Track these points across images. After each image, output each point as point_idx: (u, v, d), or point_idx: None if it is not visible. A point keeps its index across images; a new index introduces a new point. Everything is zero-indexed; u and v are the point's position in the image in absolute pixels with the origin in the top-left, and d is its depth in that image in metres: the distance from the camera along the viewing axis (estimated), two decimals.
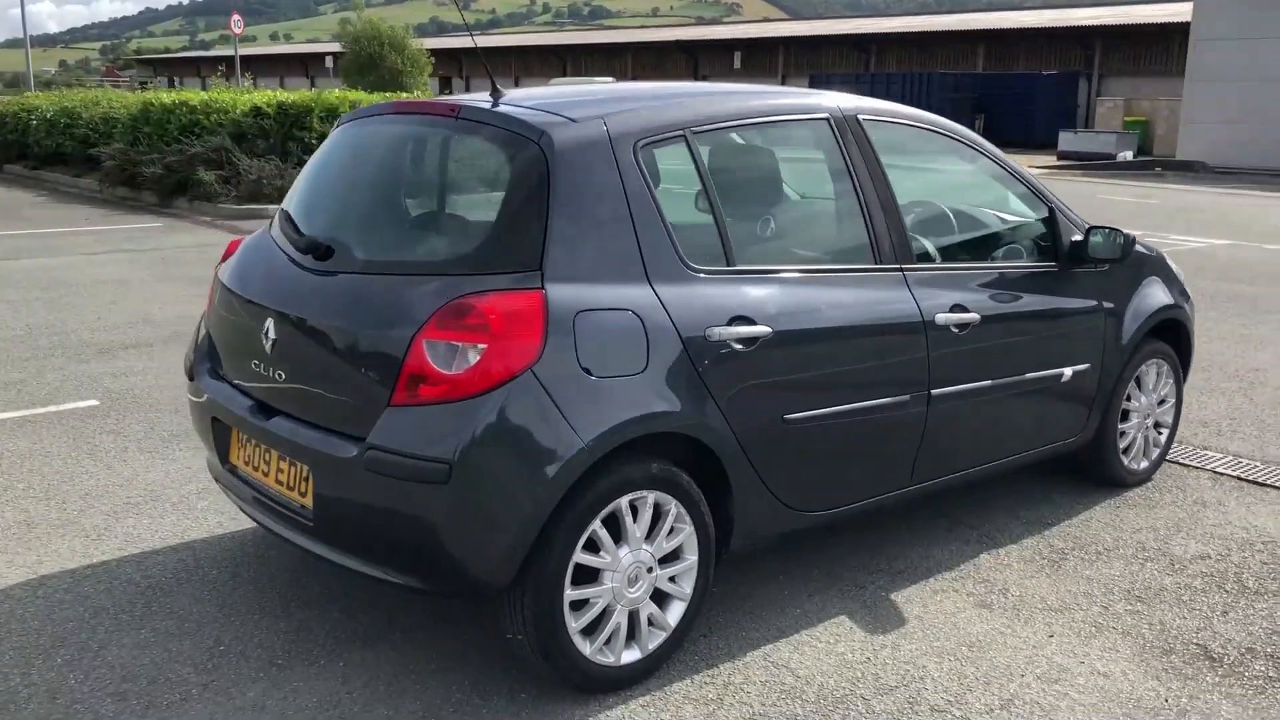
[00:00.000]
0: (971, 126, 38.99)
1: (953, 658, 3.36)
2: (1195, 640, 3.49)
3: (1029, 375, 4.16)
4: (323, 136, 15.51)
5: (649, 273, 3.10)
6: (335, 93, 16.30)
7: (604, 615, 3.08)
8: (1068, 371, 4.32)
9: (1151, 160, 29.75)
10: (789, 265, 3.54)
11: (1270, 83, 28.28)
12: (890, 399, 3.65)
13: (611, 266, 3.06)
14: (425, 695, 3.10)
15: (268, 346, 3.25)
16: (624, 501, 3.03)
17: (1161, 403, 4.95)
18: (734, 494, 3.28)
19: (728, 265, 3.30)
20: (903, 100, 36.61)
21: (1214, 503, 4.71)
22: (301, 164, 15.04)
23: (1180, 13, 38.65)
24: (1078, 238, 4.36)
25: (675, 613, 3.23)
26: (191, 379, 3.72)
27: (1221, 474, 5.06)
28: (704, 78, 60.45)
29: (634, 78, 63.63)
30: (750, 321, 3.24)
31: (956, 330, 3.81)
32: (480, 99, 3.38)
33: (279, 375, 3.23)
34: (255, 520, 3.41)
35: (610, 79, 40.49)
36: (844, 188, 3.73)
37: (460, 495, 2.81)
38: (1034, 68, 44.07)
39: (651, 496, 3.08)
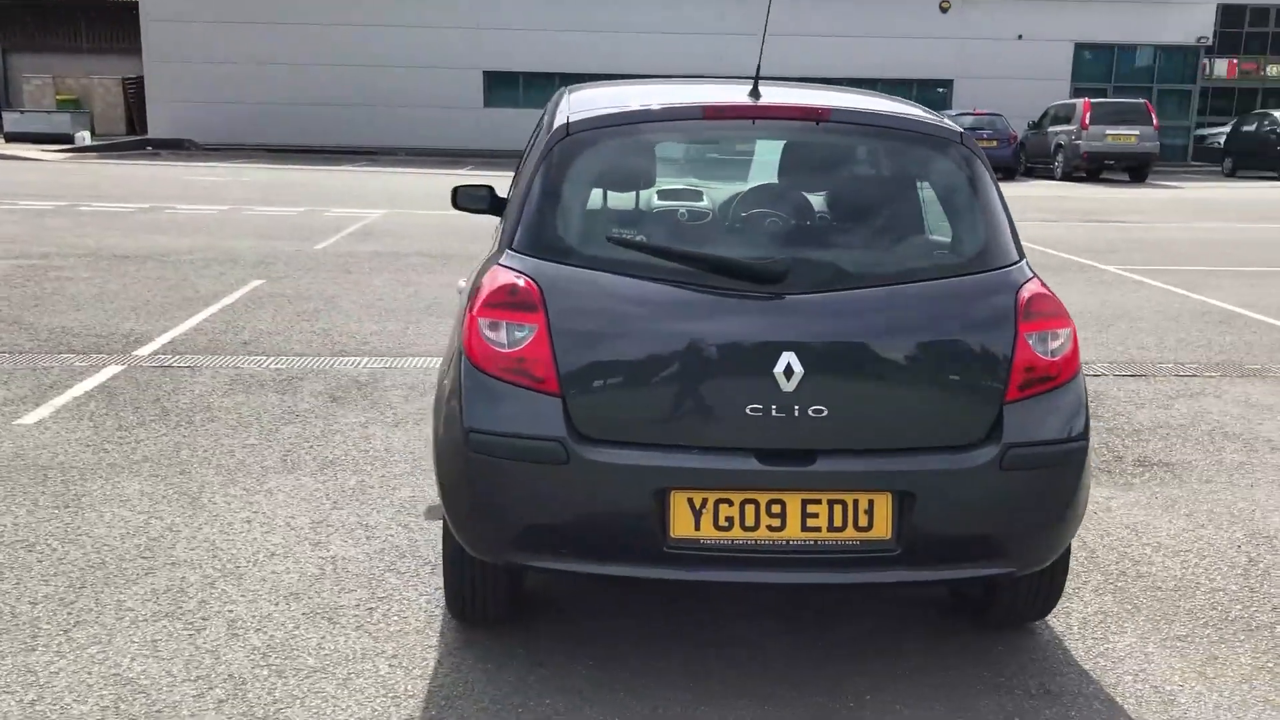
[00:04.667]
0: None
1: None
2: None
3: None
4: None
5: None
6: None
7: None
8: None
9: (142, 140, 29.74)
10: None
11: (237, 64, 30.30)
12: None
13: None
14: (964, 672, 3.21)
15: (789, 385, 2.84)
16: None
17: None
18: None
19: None
20: None
21: None
22: None
23: None
24: None
25: None
26: (566, 459, 2.85)
27: None
28: None
29: None
30: None
31: None
32: (802, 98, 3.30)
33: (815, 412, 2.87)
34: (744, 583, 2.96)
35: None
36: None
37: (1083, 468, 3.07)
38: None
39: None
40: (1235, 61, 35.89)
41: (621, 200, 3.44)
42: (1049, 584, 3.29)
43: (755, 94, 3.30)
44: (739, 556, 2.89)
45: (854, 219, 3.28)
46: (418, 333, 7.49)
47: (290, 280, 9.42)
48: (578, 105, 3.34)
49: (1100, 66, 33.18)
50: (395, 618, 3.46)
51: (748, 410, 2.86)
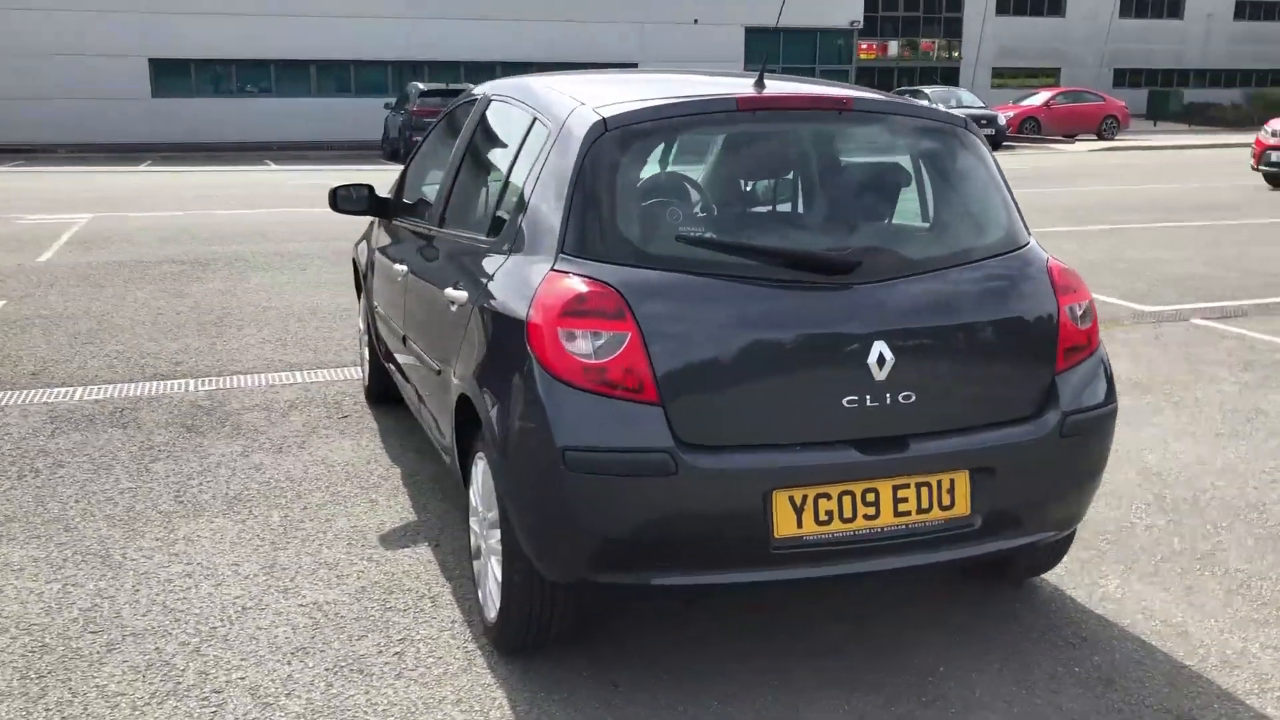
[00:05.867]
0: None
1: None
2: None
3: None
4: None
5: None
6: None
7: None
8: None
9: None
10: None
11: None
12: None
13: None
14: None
15: (881, 374, 2.86)
16: None
17: None
18: None
19: None
20: None
21: None
22: None
23: None
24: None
25: None
26: (675, 469, 2.72)
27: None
28: None
29: None
30: None
31: None
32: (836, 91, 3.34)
33: (905, 398, 2.90)
34: (844, 576, 2.95)
35: None
36: None
37: (1113, 430, 3.28)
38: None
39: None
40: (874, 43, 39.26)
41: (666, 196, 3.32)
42: (1064, 540, 3.50)
43: (760, 85, 3.28)
44: (840, 549, 2.88)
45: (896, 206, 3.32)
46: (228, 348, 6.86)
47: (36, 299, 8.36)
48: (593, 99, 3.18)
49: (769, 49, 35.19)
50: (431, 660, 3.19)
51: (845, 403, 2.86)
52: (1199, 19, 52.03)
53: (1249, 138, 23.29)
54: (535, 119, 3.43)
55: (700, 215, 3.35)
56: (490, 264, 3.30)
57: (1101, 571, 3.81)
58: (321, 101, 30.96)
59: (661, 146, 3.15)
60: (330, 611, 3.46)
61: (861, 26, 36.62)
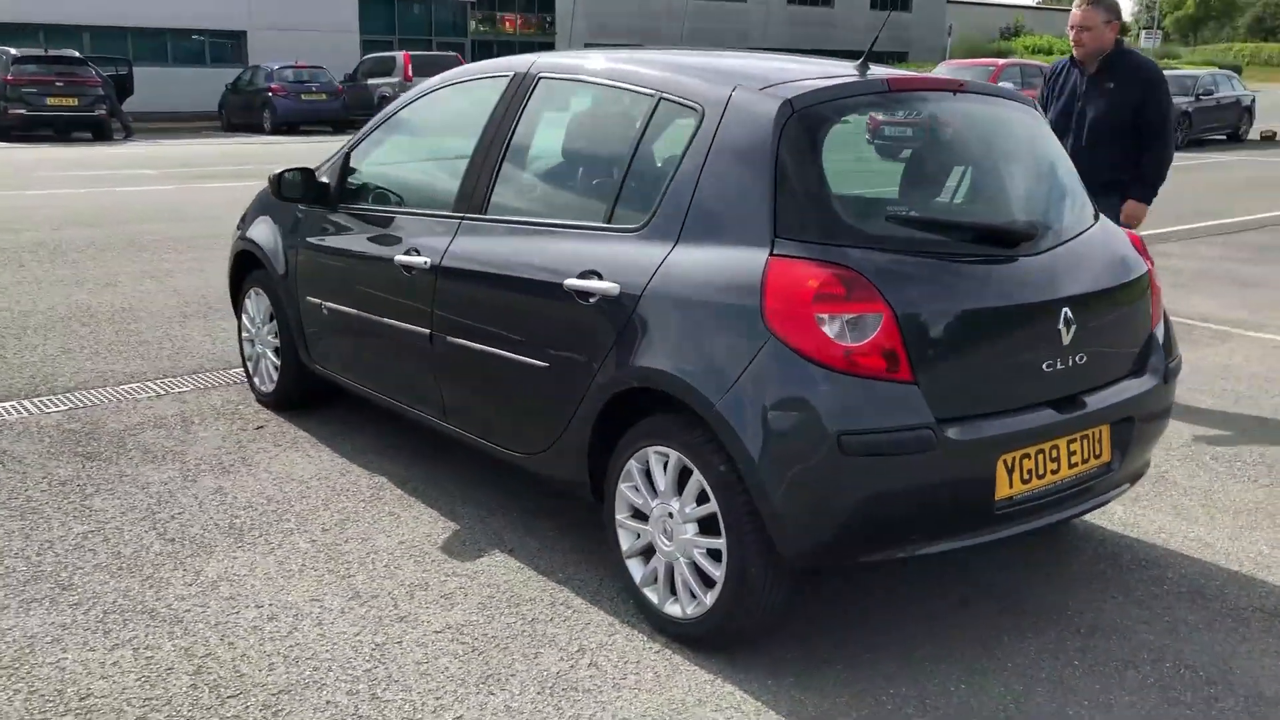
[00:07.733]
0: None
1: None
2: None
3: None
4: None
5: None
6: None
7: None
8: None
9: None
10: None
11: None
12: None
13: None
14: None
15: (1067, 338, 3.09)
16: None
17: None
18: None
19: None
20: None
21: None
22: None
23: None
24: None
25: None
26: (935, 444, 2.79)
27: None
28: None
29: None
30: None
31: None
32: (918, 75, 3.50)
33: (1079, 360, 3.14)
34: (1042, 528, 3.17)
35: None
36: None
37: None
38: None
39: None
40: (512, 17, 39.61)
41: (845, 175, 3.31)
42: None
43: (864, 67, 3.38)
44: (1037, 505, 3.10)
45: (1029, 180, 3.52)
46: (27, 361, 5.87)
47: None
48: (743, 80, 3.16)
49: (384, 19, 34.33)
50: (630, 666, 3.05)
51: (1044, 367, 3.07)
52: (759, 2, 56.83)
53: None
54: (660, 99, 3.31)
55: (890, 194, 3.40)
56: (643, 252, 3.16)
57: (1139, 510, 4.23)
58: None
59: (834, 126, 3.16)
60: (474, 633, 3.19)
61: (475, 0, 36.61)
